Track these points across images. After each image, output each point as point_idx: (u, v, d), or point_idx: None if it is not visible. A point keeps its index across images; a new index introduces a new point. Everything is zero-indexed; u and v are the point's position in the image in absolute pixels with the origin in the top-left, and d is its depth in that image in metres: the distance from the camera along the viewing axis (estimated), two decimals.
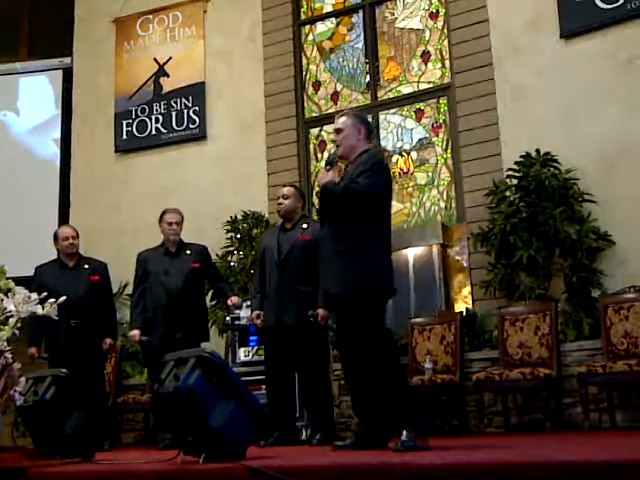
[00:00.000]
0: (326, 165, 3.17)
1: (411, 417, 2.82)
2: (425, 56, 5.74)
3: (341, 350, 3.29)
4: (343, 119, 3.21)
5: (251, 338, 4.81)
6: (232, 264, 5.57)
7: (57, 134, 6.82)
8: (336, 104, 6.04)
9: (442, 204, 5.50)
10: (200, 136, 6.30)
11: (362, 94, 5.96)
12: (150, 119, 6.47)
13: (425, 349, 4.71)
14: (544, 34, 5.10)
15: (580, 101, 4.90)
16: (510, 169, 4.85)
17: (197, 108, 6.32)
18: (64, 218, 6.42)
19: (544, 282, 4.66)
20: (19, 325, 2.74)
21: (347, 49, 6.11)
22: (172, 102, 6.41)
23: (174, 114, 6.39)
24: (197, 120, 6.32)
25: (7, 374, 2.72)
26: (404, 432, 2.74)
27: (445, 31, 5.66)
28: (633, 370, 3.84)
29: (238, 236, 5.69)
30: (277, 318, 4.01)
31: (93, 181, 6.58)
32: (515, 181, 4.84)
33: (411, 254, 5.30)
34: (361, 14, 6.08)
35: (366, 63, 5.97)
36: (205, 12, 6.51)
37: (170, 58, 6.54)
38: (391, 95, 5.85)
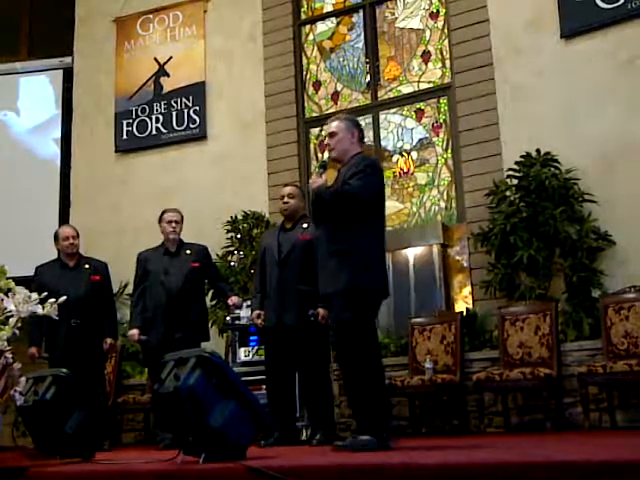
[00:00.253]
0: (319, 169, 3.20)
1: (374, 421, 2.90)
2: (425, 56, 5.74)
3: (336, 349, 3.29)
4: (336, 123, 3.25)
5: (251, 338, 4.81)
6: (232, 264, 5.57)
7: (57, 134, 6.82)
8: (336, 104, 6.04)
9: (442, 204, 5.50)
10: (200, 136, 6.30)
11: (362, 94, 5.96)
12: (150, 119, 6.47)
13: (425, 349, 4.70)
14: (544, 34, 5.10)
15: (580, 101, 4.90)
16: (510, 169, 4.85)
17: (197, 108, 6.32)
18: (64, 218, 6.42)
19: (544, 282, 4.66)
20: (19, 325, 2.73)
21: (347, 49, 6.11)
22: (172, 102, 6.41)
23: (174, 114, 6.39)
24: (197, 120, 6.32)
25: (7, 374, 2.72)
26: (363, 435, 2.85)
27: (445, 31, 5.66)
28: (633, 370, 3.84)
29: (238, 236, 5.69)
30: (277, 318, 4.01)
31: (93, 181, 6.58)
32: (515, 181, 4.83)
33: (411, 254, 5.30)
34: (361, 14, 6.08)
35: (366, 63, 5.97)
36: (205, 12, 6.51)
37: (170, 58, 6.54)
38: (391, 95, 5.85)
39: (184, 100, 6.38)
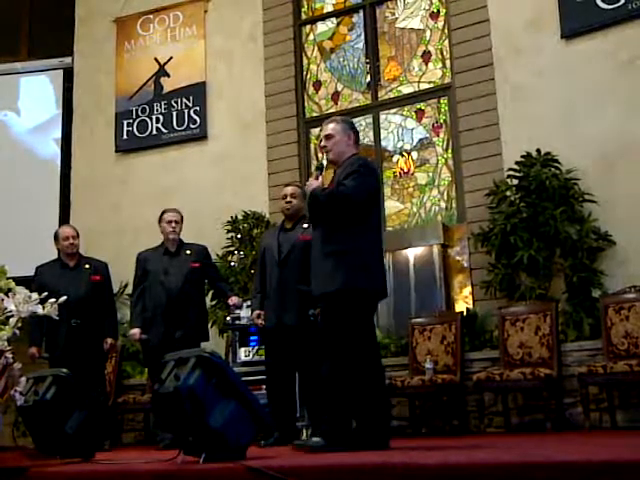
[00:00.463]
0: (316, 171, 3.20)
1: (374, 421, 2.91)
2: (426, 56, 5.74)
3: (324, 350, 3.28)
4: (332, 125, 3.25)
5: (251, 338, 4.81)
6: (232, 264, 5.57)
7: (58, 134, 6.82)
8: (337, 104, 6.04)
9: (443, 204, 5.50)
10: (201, 136, 6.30)
11: (363, 94, 5.96)
12: (151, 119, 6.47)
13: (426, 349, 4.70)
14: (545, 34, 5.10)
15: (581, 101, 4.90)
16: (510, 169, 4.85)
17: (198, 108, 6.32)
18: (65, 218, 6.42)
19: (544, 282, 4.66)
20: (19, 325, 2.73)
21: (348, 49, 6.11)
22: (173, 102, 6.41)
23: (175, 114, 6.39)
24: (198, 120, 6.32)
25: (8, 374, 2.72)
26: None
27: (446, 31, 5.66)
28: (634, 370, 3.84)
29: (238, 236, 5.69)
30: (277, 318, 4.01)
31: (94, 181, 6.58)
32: (516, 181, 4.83)
33: (412, 254, 5.30)
34: (362, 14, 6.08)
35: (367, 63, 5.97)
36: (206, 12, 6.51)
37: (171, 58, 6.54)
38: (392, 95, 5.85)
39: (184, 100, 6.38)
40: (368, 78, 5.95)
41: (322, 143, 3.28)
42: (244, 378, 3.56)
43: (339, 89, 6.07)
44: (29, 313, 2.74)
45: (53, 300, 2.79)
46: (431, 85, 5.69)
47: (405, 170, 5.69)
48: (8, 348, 2.71)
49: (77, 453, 2.85)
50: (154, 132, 6.45)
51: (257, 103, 6.08)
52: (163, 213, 4.62)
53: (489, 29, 5.28)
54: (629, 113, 4.72)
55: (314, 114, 6.09)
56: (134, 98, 6.56)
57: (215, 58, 6.39)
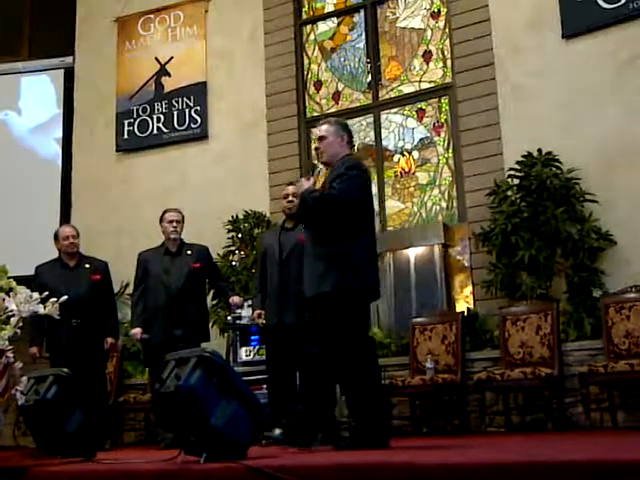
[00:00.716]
0: (309, 172, 3.20)
1: (372, 422, 2.92)
2: (426, 55, 5.74)
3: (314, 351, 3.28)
4: (326, 127, 3.25)
5: (252, 338, 4.81)
6: (233, 264, 5.58)
7: (58, 134, 6.82)
8: (337, 104, 6.04)
9: (443, 204, 5.49)
10: (201, 136, 6.30)
11: (363, 94, 5.96)
12: (151, 119, 6.47)
13: (426, 349, 4.70)
14: (545, 34, 5.09)
15: (581, 101, 4.89)
16: (511, 169, 4.85)
17: (198, 108, 6.32)
18: (65, 217, 6.42)
19: (545, 282, 4.65)
20: (20, 324, 2.74)
21: (348, 49, 6.10)
22: (173, 102, 6.41)
23: (175, 114, 6.39)
24: (198, 120, 6.31)
25: (9, 373, 2.72)
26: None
27: (446, 30, 5.65)
28: (634, 370, 3.84)
29: (239, 236, 5.69)
30: (278, 318, 4.01)
31: (94, 181, 6.58)
32: (516, 181, 4.83)
33: (412, 254, 5.29)
34: (362, 14, 6.08)
35: (367, 63, 5.97)
36: (206, 12, 6.51)
37: (171, 58, 6.54)
38: (392, 95, 5.84)
39: (185, 100, 6.38)
40: (369, 78, 5.95)
41: (315, 145, 3.28)
42: (245, 378, 3.56)
43: (340, 89, 6.07)
44: (30, 313, 2.74)
45: (54, 300, 2.79)
46: (432, 85, 5.68)
47: (406, 170, 5.69)
48: (9, 347, 2.71)
49: (78, 453, 2.85)
50: (155, 132, 6.45)
51: (258, 103, 6.08)
52: (164, 213, 4.62)
53: (490, 28, 5.28)
54: (630, 113, 4.72)
55: (315, 114, 6.08)
56: (135, 98, 6.55)
57: (216, 58, 6.39)
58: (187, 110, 6.36)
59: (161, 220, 4.60)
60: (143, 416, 5.45)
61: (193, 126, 6.33)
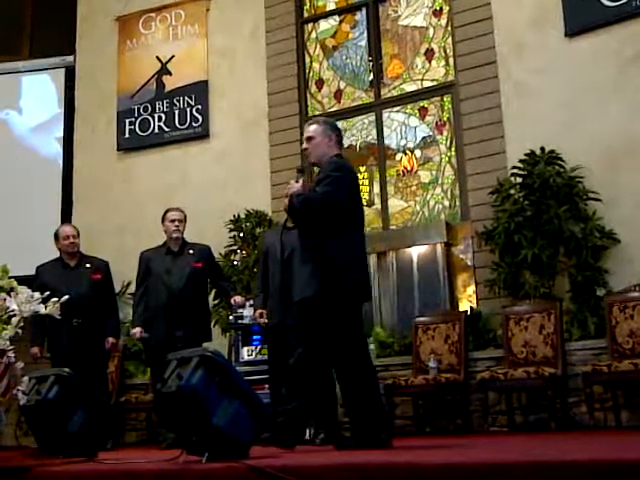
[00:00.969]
0: (297, 173, 3.17)
1: (368, 422, 2.94)
2: (429, 54, 5.72)
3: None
4: (314, 127, 3.24)
5: (254, 337, 4.80)
6: (235, 263, 5.56)
7: (59, 133, 6.81)
8: (339, 102, 6.02)
9: (446, 202, 5.47)
10: (203, 134, 6.29)
11: (365, 92, 5.94)
12: (153, 117, 6.46)
13: (429, 348, 4.69)
14: (548, 32, 5.07)
15: (585, 99, 4.87)
16: (514, 167, 4.83)
17: (200, 106, 6.31)
18: (66, 217, 6.41)
19: (549, 281, 4.64)
20: (21, 324, 2.73)
21: (350, 47, 6.08)
22: (175, 100, 6.40)
23: (177, 112, 6.38)
24: (200, 118, 6.30)
25: (10, 373, 2.72)
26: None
27: (449, 28, 5.63)
28: (638, 369, 3.82)
29: (241, 235, 5.67)
30: (280, 317, 4.00)
31: (96, 180, 6.57)
32: (519, 179, 4.81)
33: (415, 253, 5.28)
34: (364, 12, 6.06)
35: (369, 61, 5.95)
36: (208, 10, 6.49)
37: (173, 56, 6.52)
38: (395, 93, 5.82)
39: (186, 98, 6.36)
40: (371, 76, 5.93)
41: (303, 145, 3.27)
42: (247, 377, 3.55)
43: (342, 87, 6.05)
44: (31, 312, 2.74)
45: (55, 299, 2.78)
46: (434, 83, 5.66)
47: (408, 168, 5.67)
48: (10, 347, 2.70)
49: (80, 452, 2.84)
50: (156, 131, 6.44)
51: (259, 101, 6.07)
52: (166, 212, 4.60)
53: (492, 26, 5.26)
54: (634, 111, 4.69)
55: (316, 112, 6.06)
56: (136, 97, 6.54)
57: (217, 56, 6.37)
58: (188, 109, 6.34)
59: (163, 219, 4.59)
60: (145, 416, 5.45)
61: (194, 125, 6.31)
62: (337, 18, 6.20)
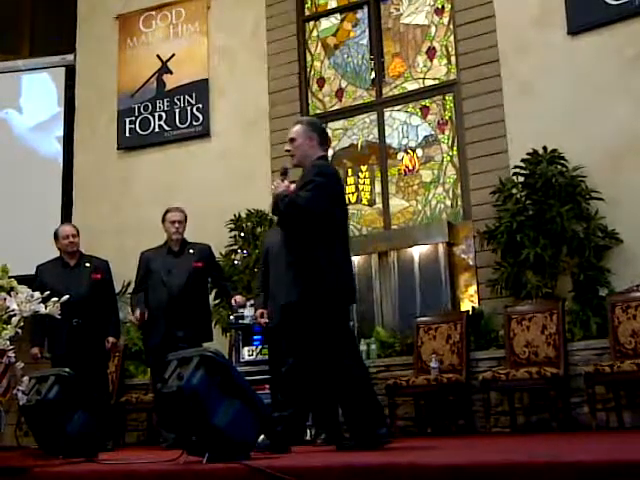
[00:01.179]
0: (281, 175, 3.15)
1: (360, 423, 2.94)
2: (431, 52, 5.70)
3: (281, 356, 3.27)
4: (296, 128, 3.22)
5: (255, 337, 4.79)
6: (236, 262, 5.55)
7: (60, 132, 6.80)
8: (341, 101, 6.01)
9: (448, 202, 5.46)
10: (203, 133, 6.28)
11: (367, 91, 5.93)
12: (153, 116, 6.44)
13: (431, 348, 4.67)
14: (551, 30, 5.06)
15: (587, 98, 4.85)
16: (517, 166, 4.81)
17: (200, 105, 6.30)
18: (66, 216, 6.40)
19: (551, 280, 4.62)
20: (21, 324, 2.72)
21: (352, 45, 6.07)
22: (175, 99, 6.39)
23: (177, 111, 6.36)
24: (200, 117, 6.29)
25: (10, 374, 2.70)
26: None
27: (451, 27, 5.61)
28: None
29: (242, 234, 5.66)
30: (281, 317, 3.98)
31: (96, 179, 6.56)
32: (522, 179, 4.80)
33: (417, 252, 5.27)
34: (366, 10, 6.04)
35: (371, 59, 5.93)
36: (208, 8, 6.48)
37: (173, 55, 6.51)
38: (396, 92, 5.81)
39: (187, 97, 6.35)
40: (372, 75, 5.91)
41: (286, 147, 3.25)
42: (247, 377, 3.54)
43: (343, 86, 6.03)
44: (31, 312, 2.72)
45: (55, 299, 2.77)
46: (436, 82, 5.65)
47: (410, 168, 5.65)
48: (10, 347, 2.69)
49: (80, 453, 2.83)
50: (156, 129, 6.42)
51: (260, 100, 6.05)
52: (166, 213, 4.58)
53: (495, 25, 5.24)
54: (636, 109, 4.68)
55: (318, 111, 6.05)
56: (136, 95, 6.53)
57: (218, 55, 6.36)
58: (189, 108, 6.33)
59: (163, 220, 4.57)
60: (145, 416, 5.43)
61: (195, 124, 6.30)
62: (338, 16, 6.18)
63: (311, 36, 6.22)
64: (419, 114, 5.69)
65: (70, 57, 6.89)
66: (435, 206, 5.50)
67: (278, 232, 4.20)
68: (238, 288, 5.07)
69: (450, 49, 5.61)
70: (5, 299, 2.71)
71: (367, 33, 5.99)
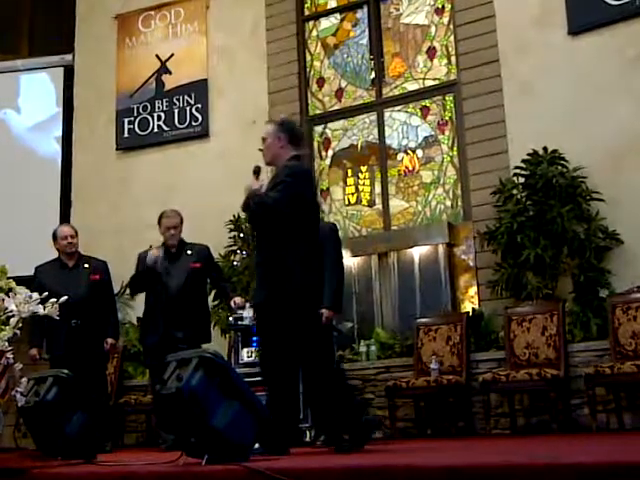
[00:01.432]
0: (253, 174, 3.13)
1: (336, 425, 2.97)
2: (431, 52, 5.69)
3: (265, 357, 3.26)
4: (267, 128, 3.26)
5: (254, 339, 4.77)
6: (235, 263, 5.54)
7: (58, 132, 6.79)
8: (340, 101, 6.00)
9: (448, 202, 5.45)
10: (202, 134, 6.26)
11: (367, 91, 5.92)
12: (152, 117, 6.43)
13: (431, 350, 4.66)
14: (551, 30, 5.05)
15: (588, 98, 4.84)
16: (517, 167, 4.81)
17: (199, 105, 6.28)
18: (65, 217, 6.39)
19: (551, 282, 4.61)
20: (20, 325, 2.70)
21: (352, 45, 6.06)
22: (174, 99, 6.38)
23: (176, 111, 6.35)
24: (199, 117, 6.27)
25: (8, 375, 2.69)
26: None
27: (451, 27, 5.60)
28: None
29: (241, 235, 5.65)
30: None
31: (94, 179, 6.54)
32: (522, 179, 4.79)
33: (417, 253, 5.26)
34: (366, 10, 6.03)
35: (371, 59, 5.92)
36: (207, 8, 6.47)
37: (172, 55, 6.50)
38: (396, 92, 5.80)
39: (186, 97, 6.34)
40: (372, 75, 5.90)
41: (259, 147, 3.26)
42: (246, 379, 3.51)
43: (343, 86, 6.02)
44: (30, 313, 2.71)
45: (54, 300, 2.76)
46: (436, 82, 5.64)
47: (410, 168, 5.64)
48: (9, 349, 2.68)
49: (78, 454, 2.83)
50: (155, 130, 6.41)
51: (259, 100, 6.04)
52: (161, 217, 4.53)
53: (495, 25, 5.23)
54: (637, 110, 4.67)
55: (317, 111, 6.04)
56: (135, 95, 6.52)
57: (217, 54, 6.35)
58: (188, 108, 6.32)
59: (159, 223, 4.54)
60: (144, 418, 5.41)
61: (194, 124, 6.29)
62: (338, 16, 6.17)
63: (311, 36, 6.21)
64: (419, 114, 5.68)
65: (69, 57, 6.88)
66: (435, 207, 5.49)
67: None
68: (237, 289, 5.06)
69: (450, 49, 5.60)
70: (4, 300, 2.70)
71: (367, 33, 5.98)
